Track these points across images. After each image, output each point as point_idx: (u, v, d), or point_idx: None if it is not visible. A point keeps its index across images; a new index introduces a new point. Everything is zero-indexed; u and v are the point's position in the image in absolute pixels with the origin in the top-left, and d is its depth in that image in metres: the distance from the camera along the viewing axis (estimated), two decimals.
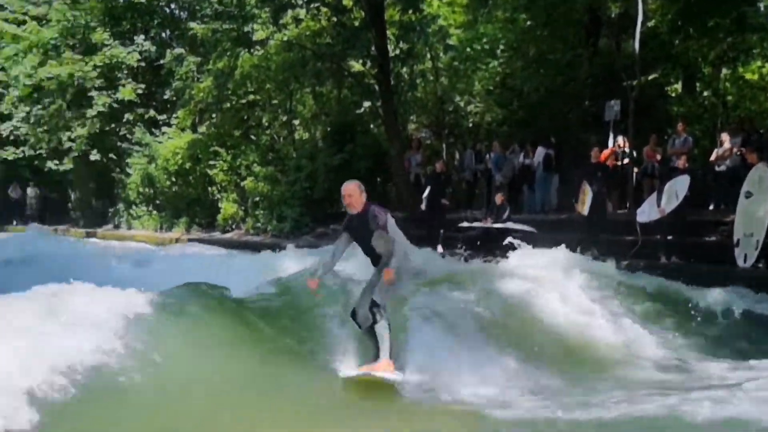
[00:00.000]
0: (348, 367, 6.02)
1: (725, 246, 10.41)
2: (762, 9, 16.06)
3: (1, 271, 11.94)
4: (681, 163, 11.59)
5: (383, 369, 5.75)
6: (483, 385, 5.62)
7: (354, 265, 7.61)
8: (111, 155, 27.93)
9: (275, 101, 22.94)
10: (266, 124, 23.70)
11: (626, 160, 14.81)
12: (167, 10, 28.72)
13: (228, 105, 22.81)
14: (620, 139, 14.99)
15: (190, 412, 4.52)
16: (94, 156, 27.53)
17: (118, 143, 27.46)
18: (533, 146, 15.94)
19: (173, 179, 24.51)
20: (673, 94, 18.91)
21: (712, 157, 13.27)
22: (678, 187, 10.88)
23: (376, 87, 18.29)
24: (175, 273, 10.35)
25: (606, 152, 13.96)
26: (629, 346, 7.59)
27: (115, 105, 26.51)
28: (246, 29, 19.93)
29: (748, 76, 18.32)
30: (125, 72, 27.17)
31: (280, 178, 20.27)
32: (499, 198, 13.54)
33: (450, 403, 5.30)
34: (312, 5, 18.69)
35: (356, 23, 18.21)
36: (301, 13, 19.50)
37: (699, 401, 4.79)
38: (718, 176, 13.13)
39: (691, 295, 9.02)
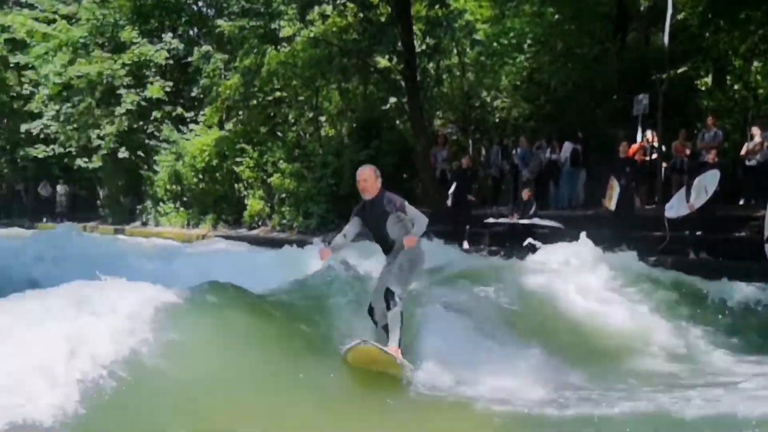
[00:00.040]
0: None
1: (755, 242, 10.26)
2: None
3: (33, 267, 12.13)
4: (711, 157, 11.43)
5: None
6: (500, 378, 5.58)
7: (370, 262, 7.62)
8: (139, 153, 28.33)
9: (301, 98, 23.06)
10: (292, 120, 23.82)
11: (655, 155, 14.66)
12: (195, 8, 29.07)
13: (254, 102, 23.01)
14: (649, 134, 14.85)
15: (217, 404, 4.60)
16: (123, 153, 27.97)
17: (146, 141, 27.86)
18: (560, 141, 15.83)
19: (200, 176, 24.78)
20: (703, 88, 18.61)
21: (743, 151, 13.14)
22: (707, 182, 10.72)
23: (402, 83, 18.25)
24: (202, 270, 10.47)
25: (634, 147, 13.84)
26: (647, 340, 7.56)
27: (143, 103, 26.90)
28: (273, 26, 20.12)
29: None
30: (153, 70, 27.54)
31: (306, 175, 20.37)
32: (525, 194, 13.46)
33: (465, 396, 5.30)
34: (338, 1, 18.76)
35: (383, 19, 18.23)
36: (328, 9, 19.61)
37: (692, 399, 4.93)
38: (748, 170, 13.00)
39: (719, 289, 8.92)
